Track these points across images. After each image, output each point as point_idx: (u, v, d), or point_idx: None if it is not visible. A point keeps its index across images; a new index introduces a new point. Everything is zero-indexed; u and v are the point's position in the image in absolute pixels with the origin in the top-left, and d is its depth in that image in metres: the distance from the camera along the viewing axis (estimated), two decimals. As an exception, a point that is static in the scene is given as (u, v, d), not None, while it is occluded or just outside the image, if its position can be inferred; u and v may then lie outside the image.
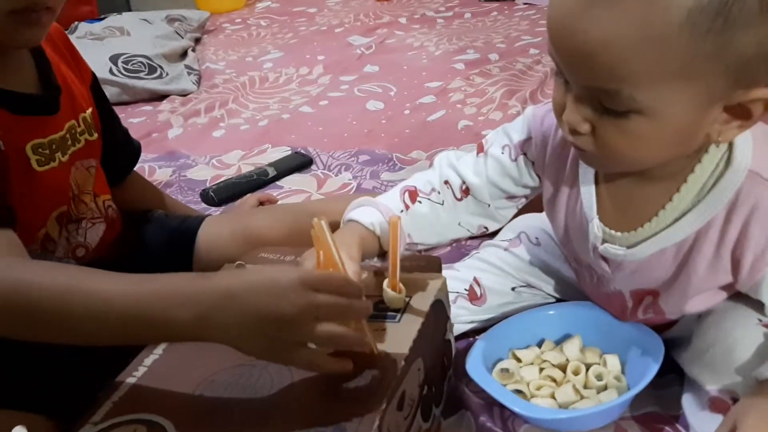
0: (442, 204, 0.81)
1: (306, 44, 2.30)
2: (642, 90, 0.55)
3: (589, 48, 0.54)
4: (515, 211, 0.85)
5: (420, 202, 0.81)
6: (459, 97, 1.69)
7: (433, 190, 0.81)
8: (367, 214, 0.77)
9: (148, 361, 0.68)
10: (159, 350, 0.69)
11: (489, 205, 0.81)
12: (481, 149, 0.81)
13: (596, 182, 0.71)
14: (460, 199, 0.81)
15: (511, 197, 0.82)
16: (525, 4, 2.43)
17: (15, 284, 0.58)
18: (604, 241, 0.71)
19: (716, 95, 0.56)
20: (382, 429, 0.58)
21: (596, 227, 0.71)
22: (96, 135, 0.85)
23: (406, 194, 0.81)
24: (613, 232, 0.70)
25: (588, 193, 0.71)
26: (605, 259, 0.72)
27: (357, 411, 0.58)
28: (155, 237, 0.98)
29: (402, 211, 0.79)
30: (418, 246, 0.83)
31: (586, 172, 0.71)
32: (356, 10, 2.65)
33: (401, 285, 0.71)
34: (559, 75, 0.61)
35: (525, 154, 0.78)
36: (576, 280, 0.85)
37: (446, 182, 0.81)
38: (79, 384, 0.74)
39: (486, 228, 0.84)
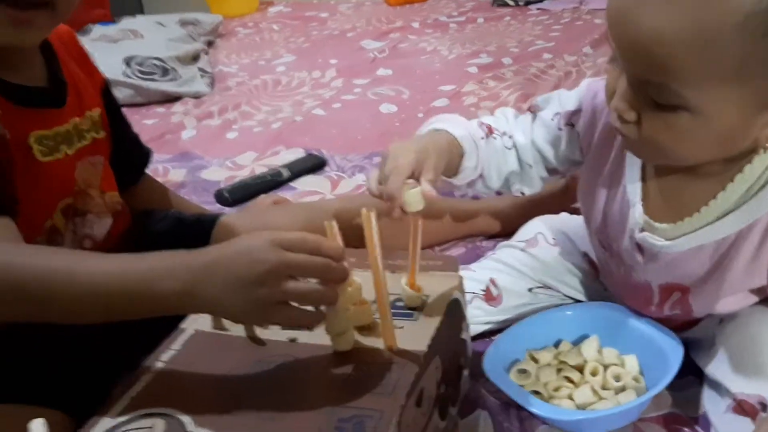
0: (509, 149, 0.81)
1: (318, 48, 2.31)
2: (690, 87, 0.55)
3: (643, 40, 0.54)
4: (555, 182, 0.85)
5: (495, 138, 0.81)
6: (473, 101, 1.69)
7: (504, 133, 0.81)
8: (455, 127, 0.76)
9: (166, 356, 0.68)
10: (177, 345, 0.69)
11: (531, 167, 0.81)
12: (532, 109, 0.82)
13: (643, 169, 0.70)
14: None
15: (551, 169, 0.82)
16: (538, 9, 2.43)
17: (10, 268, 0.58)
18: (642, 229, 0.70)
19: (767, 101, 0.55)
20: (401, 425, 0.58)
21: (638, 214, 0.70)
22: (104, 134, 0.85)
23: (485, 126, 0.81)
24: (653, 221, 0.69)
25: (633, 178, 0.70)
26: (640, 248, 0.71)
27: (377, 406, 0.58)
28: (170, 233, 0.98)
29: (482, 138, 0.79)
30: (488, 183, 0.81)
31: (634, 157, 0.70)
32: (368, 14, 2.65)
33: (419, 284, 0.71)
34: (615, 61, 0.61)
35: (572, 125, 0.78)
36: (591, 280, 0.84)
37: (504, 133, 0.82)
38: (92, 378, 0.74)
39: (522, 192, 0.84)
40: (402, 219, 0.66)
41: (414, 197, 0.66)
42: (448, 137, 0.75)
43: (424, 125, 0.79)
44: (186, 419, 0.59)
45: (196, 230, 0.98)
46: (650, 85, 0.57)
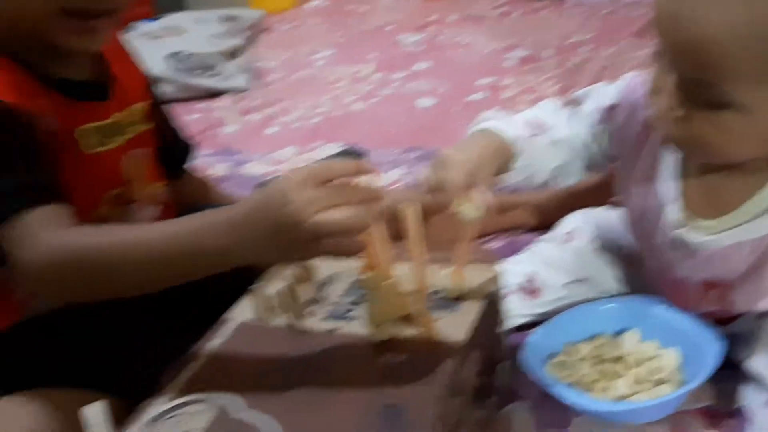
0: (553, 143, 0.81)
1: (357, 43, 2.32)
2: (741, 87, 0.55)
3: (695, 39, 0.54)
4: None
5: (542, 134, 0.80)
6: (510, 94, 1.69)
7: (550, 127, 0.81)
8: (505, 128, 0.76)
9: (213, 344, 0.70)
10: (223, 335, 0.72)
11: (572, 160, 0.81)
12: (575, 102, 0.82)
13: (679, 165, 0.70)
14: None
15: (591, 163, 0.82)
16: (575, 2, 2.41)
17: (69, 250, 0.63)
18: (678, 226, 0.70)
19: None
20: (439, 414, 0.59)
21: (674, 210, 0.70)
22: (148, 127, 0.88)
23: (533, 122, 0.80)
24: (690, 218, 0.69)
25: (668, 175, 0.71)
26: (677, 244, 0.71)
27: (416, 394, 0.60)
28: None
29: (532, 136, 0.78)
30: (534, 180, 0.80)
31: (669, 154, 0.71)
32: (405, 8, 2.65)
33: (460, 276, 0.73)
34: (662, 57, 0.61)
35: (610, 120, 0.78)
36: (630, 274, 0.85)
37: (549, 127, 0.81)
38: (142, 365, 0.77)
39: (563, 185, 0.84)
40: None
41: (469, 210, 0.68)
42: (499, 140, 0.75)
43: (474, 123, 0.79)
44: (234, 403, 0.62)
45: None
46: (700, 84, 0.57)
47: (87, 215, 0.78)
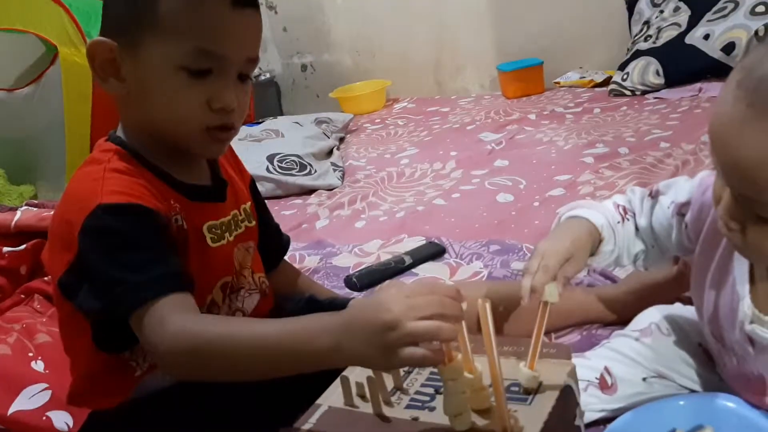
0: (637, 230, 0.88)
1: (439, 141, 2.43)
2: None
3: (744, 164, 0.60)
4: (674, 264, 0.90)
5: (628, 219, 0.87)
6: (588, 190, 1.73)
7: (634, 214, 0.88)
8: (595, 215, 0.84)
9: (305, 427, 0.76)
10: (313, 419, 0.76)
11: (653, 247, 0.87)
12: (652, 194, 0.87)
13: (751, 264, 0.73)
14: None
15: (670, 253, 0.88)
16: (655, 98, 2.44)
17: (192, 338, 0.72)
18: (752, 321, 0.73)
19: None
20: (515, 501, 0.63)
21: (746, 306, 0.73)
22: (254, 223, 0.99)
23: (620, 208, 0.87)
24: (762, 315, 0.72)
25: (741, 271, 0.74)
26: (751, 340, 0.74)
27: (492, 482, 0.64)
28: (305, 312, 1.09)
29: (619, 222, 0.86)
30: (619, 263, 0.88)
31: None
32: (487, 108, 2.75)
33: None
34: (717, 171, 0.66)
35: (682, 216, 0.83)
36: (707, 370, 0.86)
37: (634, 214, 0.88)
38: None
39: (646, 268, 0.91)
40: (529, 304, 0.75)
41: (552, 290, 0.77)
42: (588, 226, 0.83)
43: (564, 210, 0.88)
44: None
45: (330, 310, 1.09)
46: (750, 200, 0.61)
47: (201, 300, 0.88)
